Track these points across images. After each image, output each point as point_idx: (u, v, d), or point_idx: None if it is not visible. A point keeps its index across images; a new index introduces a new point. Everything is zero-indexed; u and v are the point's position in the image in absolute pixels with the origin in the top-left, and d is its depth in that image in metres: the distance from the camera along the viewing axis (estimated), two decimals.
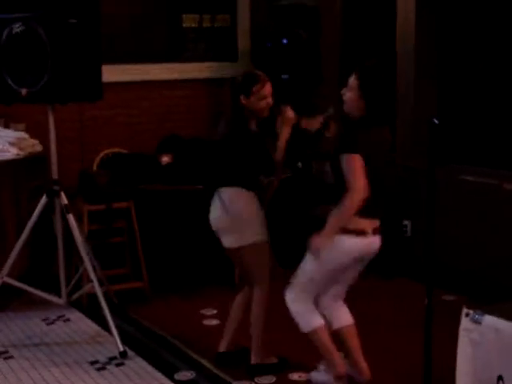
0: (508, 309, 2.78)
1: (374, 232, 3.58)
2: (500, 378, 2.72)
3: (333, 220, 3.47)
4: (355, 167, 3.41)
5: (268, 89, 3.91)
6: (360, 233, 3.52)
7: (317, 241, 3.49)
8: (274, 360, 4.11)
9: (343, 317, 3.83)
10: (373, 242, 3.60)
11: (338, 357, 3.75)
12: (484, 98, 5.30)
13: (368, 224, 3.54)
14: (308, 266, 3.65)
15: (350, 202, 3.41)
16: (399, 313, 4.81)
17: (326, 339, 3.73)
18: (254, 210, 3.93)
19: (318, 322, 3.72)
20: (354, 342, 3.83)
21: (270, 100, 3.92)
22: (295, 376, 4.01)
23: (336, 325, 3.81)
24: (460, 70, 5.46)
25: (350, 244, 3.52)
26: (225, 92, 6.65)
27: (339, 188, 3.52)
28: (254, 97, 3.87)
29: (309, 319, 3.72)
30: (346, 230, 3.49)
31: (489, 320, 2.68)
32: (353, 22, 6.23)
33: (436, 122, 3.21)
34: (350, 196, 3.40)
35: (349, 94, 3.53)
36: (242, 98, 3.87)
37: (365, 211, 3.47)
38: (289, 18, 6.24)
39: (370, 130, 3.51)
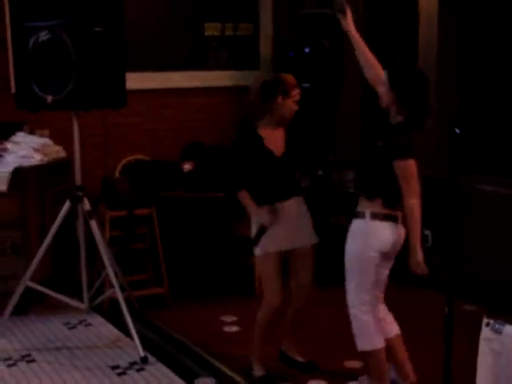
0: None
1: (401, 221, 3.60)
2: None
3: (413, 233, 3.46)
4: (413, 172, 3.46)
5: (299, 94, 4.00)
6: (394, 218, 3.56)
7: (415, 264, 3.49)
8: (260, 373, 4.09)
9: (390, 327, 3.81)
10: (402, 231, 3.61)
11: (387, 380, 3.74)
12: (506, 108, 5.28)
13: (397, 212, 3.59)
14: (353, 267, 3.63)
15: (416, 206, 3.44)
16: (420, 322, 4.80)
17: (382, 362, 3.69)
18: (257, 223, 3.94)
19: (378, 344, 3.65)
20: (402, 351, 3.82)
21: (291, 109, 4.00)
22: None
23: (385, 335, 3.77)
24: (482, 80, 5.45)
25: (386, 229, 3.55)
26: (247, 100, 6.71)
27: (369, 194, 3.58)
28: (292, 99, 3.95)
29: (369, 339, 3.65)
30: (380, 216, 3.53)
31: (509, 330, 2.68)
32: (375, 30, 6.24)
33: (458, 131, 3.21)
34: (415, 203, 3.44)
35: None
36: (279, 98, 3.93)
37: (394, 203, 3.54)
38: (311, 27, 6.25)
39: (412, 134, 3.52)
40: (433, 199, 5.46)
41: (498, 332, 2.70)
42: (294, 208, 4.01)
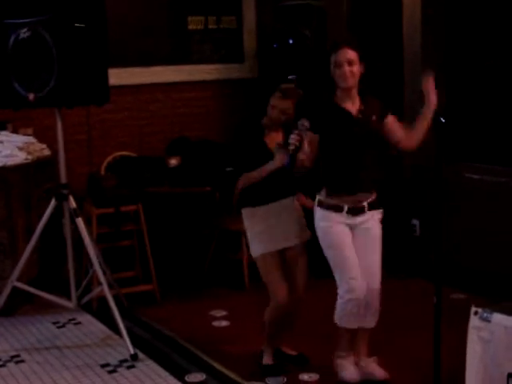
0: None
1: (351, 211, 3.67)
2: (510, 375, 2.72)
3: None
4: None
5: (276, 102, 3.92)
6: (337, 208, 3.66)
7: None
8: (266, 361, 4.11)
9: None
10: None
11: (348, 349, 3.85)
12: (492, 96, 5.29)
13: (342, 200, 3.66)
14: (324, 250, 3.73)
15: None
16: (409, 311, 4.80)
17: (345, 338, 3.82)
18: (261, 225, 3.95)
19: (349, 325, 3.75)
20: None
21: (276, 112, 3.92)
22: (305, 377, 4.00)
23: None
24: (467, 69, 5.45)
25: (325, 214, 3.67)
26: (232, 93, 6.69)
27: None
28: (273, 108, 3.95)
29: (339, 316, 3.74)
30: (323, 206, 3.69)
31: (498, 318, 2.68)
32: (359, 21, 6.23)
33: (443, 120, 3.21)
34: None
35: (355, 69, 3.59)
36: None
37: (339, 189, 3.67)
38: (295, 19, 6.24)
39: None
40: (420, 188, 5.47)
41: (486, 320, 2.71)
42: (287, 206, 4.00)
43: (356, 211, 3.67)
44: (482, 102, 5.34)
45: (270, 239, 3.94)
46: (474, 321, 2.77)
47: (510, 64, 5.13)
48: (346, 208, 3.64)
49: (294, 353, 4.22)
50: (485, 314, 2.73)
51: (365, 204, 3.68)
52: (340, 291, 3.70)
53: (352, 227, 3.70)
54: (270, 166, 3.83)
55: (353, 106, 3.67)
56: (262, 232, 3.95)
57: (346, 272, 3.66)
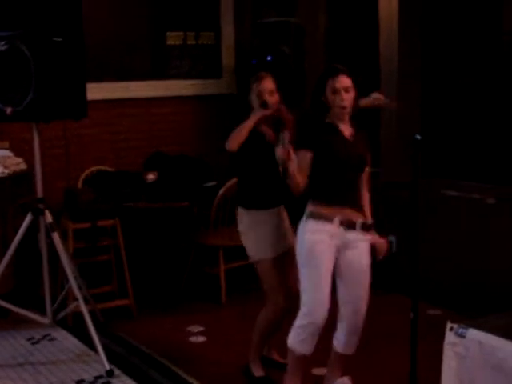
0: (492, 322, 2.79)
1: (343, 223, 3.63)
2: None
3: None
4: None
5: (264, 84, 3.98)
6: (329, 219, 3.61)
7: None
8: (259, 373, 4.10)
9: None
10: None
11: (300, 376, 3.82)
12: (467, 113, 5.34)
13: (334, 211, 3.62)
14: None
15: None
16: (385, 327, 4.82)
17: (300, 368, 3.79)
18: (266, 228, 3.96)
19: (304, 351, 3.69)
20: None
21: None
22: None
23: None
24: (442, 87, 5.51)
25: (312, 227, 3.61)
26: (210, 109, 6.70)
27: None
28: (252, 93, 4.00)
29: (299, 343, 3.69)
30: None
31: (473, 333, 2.69)
32: (337, 39, 6.28)
33: (419, 138, 3.23)
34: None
35: (349, 95, 3.62)
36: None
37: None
38: (273, 35, 6.28)
39: None
40: (397, 205, 5.50)
41: (461, 336, 2.72)
42: (281, 212, 4.05)
43: (348, 225, 3.62)
44: (458, 119, 5.39)
45: (275, 243, 3.96)
46: (449, 336, 2.78)
47: (487, 78, 5.19)
48: (337, 220, 3.61)
49: (283, 360, 4.23)
50: (460, 330, 2.74)
51: (356, 221, 3.66)
52: (302, 311, 3.64)
53: (341, 247, 3.64)
54: (257, 115, 3.88)
55: (345, 128, 3.69)
56: (268, 235, 3.95)
57: (315, 294, 3.61)
